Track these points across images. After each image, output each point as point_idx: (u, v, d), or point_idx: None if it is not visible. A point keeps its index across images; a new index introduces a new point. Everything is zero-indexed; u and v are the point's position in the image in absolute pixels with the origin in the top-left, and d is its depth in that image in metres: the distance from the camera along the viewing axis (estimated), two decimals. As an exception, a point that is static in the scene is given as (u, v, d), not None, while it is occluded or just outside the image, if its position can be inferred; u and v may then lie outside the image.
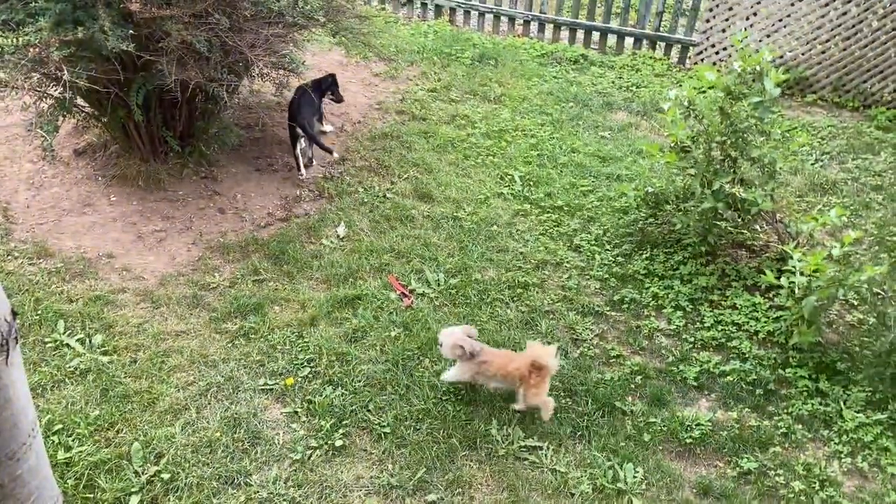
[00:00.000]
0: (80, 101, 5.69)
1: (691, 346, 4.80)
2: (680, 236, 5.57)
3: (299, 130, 6.23)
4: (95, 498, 3.60)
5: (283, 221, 5.86)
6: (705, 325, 4.94)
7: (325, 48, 8.68)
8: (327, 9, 6.00)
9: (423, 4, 10.28)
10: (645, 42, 9.31)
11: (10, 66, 4.70)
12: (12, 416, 1.58)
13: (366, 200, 6.12)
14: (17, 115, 6.30)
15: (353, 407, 4.20)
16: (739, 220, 5.30)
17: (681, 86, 5.57)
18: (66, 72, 4.70)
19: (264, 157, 6.61)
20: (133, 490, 3.64)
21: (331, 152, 6.43)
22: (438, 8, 10.17)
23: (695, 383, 4.51)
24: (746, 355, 4.70)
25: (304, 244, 5.57)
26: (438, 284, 5.21)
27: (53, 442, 3.84)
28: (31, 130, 5.19)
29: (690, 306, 5.10)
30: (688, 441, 4.12)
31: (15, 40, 4.50)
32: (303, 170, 6.34)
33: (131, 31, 4.76)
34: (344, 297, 5.01)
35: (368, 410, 4.19)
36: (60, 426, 3.96)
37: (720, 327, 4.92)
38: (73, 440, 3.89)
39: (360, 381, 4.38)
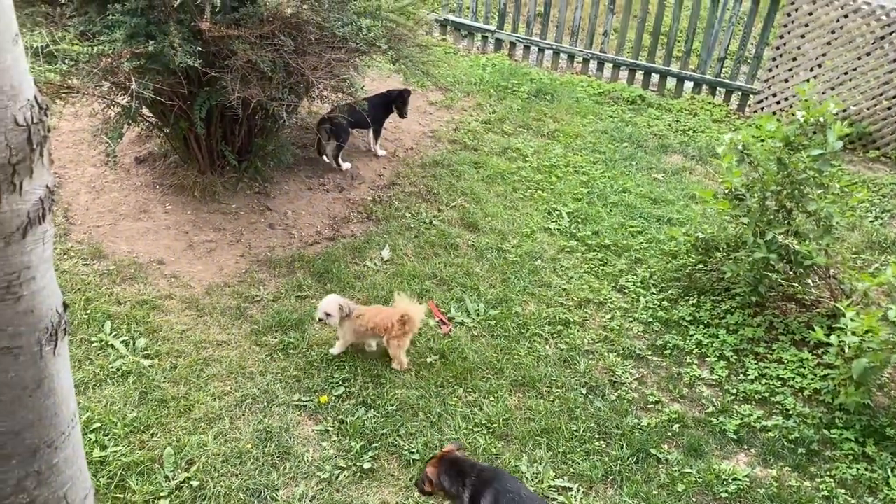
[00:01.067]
0: (145, 110, 5.88)
1: (733, 397, 4.68)
2: (729, 285, 5.46)
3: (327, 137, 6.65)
4: (125, 499, 3.65)
5: (330, 240, 5.94)
6: (749, 377, 4.81)
7: (385, 74, 8.83)
8: (390, 36, 6.12)
9: (484, 37, 10.40)
10: (704, 87, 9.24)
11: (84, 73, 4.89)
12: (54, 405, 1.62)
13: (412, 226, 6.16)
14: (86, 121, 6.54)
15: (385, 430, 4.19)
16: (791, 272, 5.18)
17: (737, 130, 5.51)
18: (134, 82, 4.88)
19: (317, 176, 6.73)
20: (162, 494, 3.69)
21: (339, 168, 6.79)
22: (499, 42, 10.28)
23: (734, 436, 4.39)
24: (790, 412, 4.55)
25: (348, 264, 5.63)
26: (478, 314, 5.20)
27: (90, 440, 3.91)
28: (97, 136, 5.38)
29: (735, 357, 4.98)
30: (723, 495, 4.00)
31: (90, 49, 4.69)
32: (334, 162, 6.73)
33: (199, 48, 4.93)
34: (384, 320, 5.03)
35: (399, 435, 4.18)
36: (98, 425, 4.04)
37: (764, 381, 4.79)
38: (108, 439, 3.97)
39: (392, 405, 4.37)
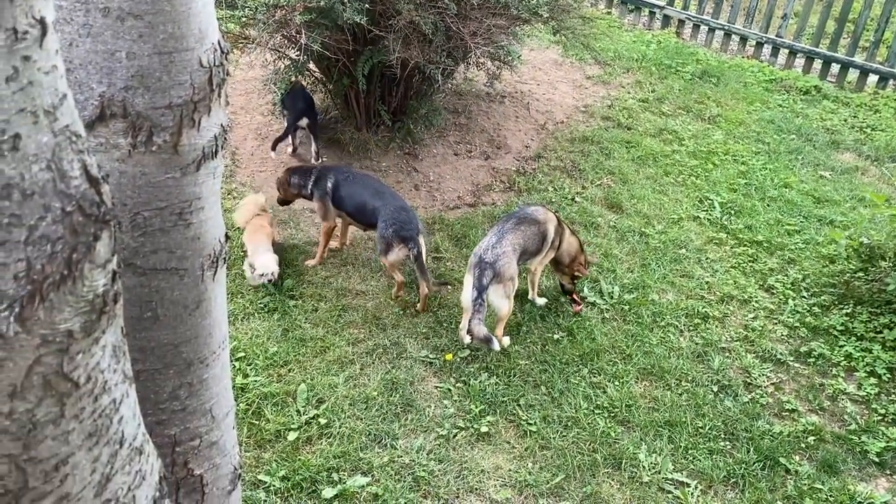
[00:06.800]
0: (311, 65, 6.17)
1: (880, 418, 4.34)
2: (891, 297, 5.03)
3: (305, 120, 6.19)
4: (260, 426, 3.93)
5: (471, 206, 6.01)
6: (902, 399, 4.44)
7: (543, 45, 8.74)
8: (553, 6, 6.04)
9: (652, 13, 10.02)
10: (892, 82, 8.44)
11: (260, 25, 5.20)
12: (209, 326, 1.77)
13: (553, 200, 6.11)
14: (258, 71, 6.96)
15: (505, 398, 4.24)
16: (968, 292, 4.69)
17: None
18: (304, 35, 5.12)
19: (465, 142, 6.80)
20: (293, 427, 3.94)
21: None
22: (667, 18, 9.87)
23: (876, 458, 4.08)
24: (946, 443, 4.17)
25: (485, 231, 5.68)
26: (612, 297, 5.11)
27: (235, 367, 4.24)
28: (267, 86, 5.71)
29: (888, 375, 4.60)
30: (856, 519, 3.74)
31: (267, 1, 4.97)
32: (282, 147, 6.24)
33: (367, 6, 5.09)
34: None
35: (518, 405, 4.22)
36: (243, 354, 4.37)
37: (920, 406, 4.40)
38: (250, 369, 4.28)
39: (515, 375, 4.41)
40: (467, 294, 4.44)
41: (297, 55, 5.46)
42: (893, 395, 4.49)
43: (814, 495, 3.83)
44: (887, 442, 4.16)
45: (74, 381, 1.08)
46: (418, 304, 4.85)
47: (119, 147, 1.54)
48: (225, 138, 1.74)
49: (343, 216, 5.13)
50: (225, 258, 1.79)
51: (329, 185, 5.04)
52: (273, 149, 6.19)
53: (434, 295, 4.96)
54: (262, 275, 4.72)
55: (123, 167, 1.56)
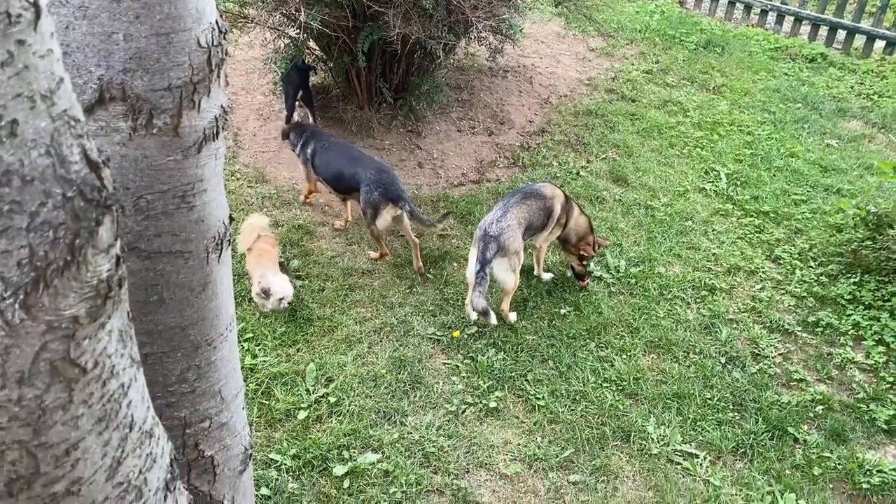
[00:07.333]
0: (311, 43, 6.12)
1: (889, 386, 4.34)
2: (899, 265, 5.00)
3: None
4: (270, 405, 3.96)
5: (475, 183, 5.99)
6: (911, 367, 4.44)
7: (546, 17, 8.65)
8: (554, -23, 5.97)
9: (654, -17, 9.89)
10: (899, 47, 8.34)
11: (259, 3, 5.15)
12: (216, 308, 1.77)
13: (558, 175, 6.08)
14: (258, 50, 6.91)
15: (513, 374, 4.26)
16: (977, 259, 4.66)
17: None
18: (303, 13, 5.08)
19: (468, 119, 6.76)
20: (303, 406, 3.96)
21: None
22: (669, -12, 9.75)
23: (885, 426, 4.08)
24: (955, 410, 4.17)
25: (490, 208, 5.66)
26: (618, 271, 5.10)
27: (244, 347, 4.26)
28: (267, 65, 5.67)
29: (896, 344, 4.60)
30: (864, 486, 3.75)
31: (265, -20, 4.92)
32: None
33: (367, -18, 5.04)
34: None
35: (527, 380, 4.23)
36: (251, 335, 4.38)
37: (929, 373, 4.40)
38: (259, 349, 4.30)
39: (522, 350, 4.42)
40: (471, 267, 4.44)
41: (296, 33, 5.42)
42: (902, 363, 4.48)
43: (822, 464, 3.85)
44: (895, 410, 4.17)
45: (82, 366, 1.08)
46: (415, 263, 4.95)
47: (119, 130, 1.53)
48: (225, 119, 1.73)
49: (324, 184, 5.26)
50: (230, 240, 1.79)
51: (309, 151, 5.17)
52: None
53: (443, 233, 5.11)
54: (282, 299, 4.38)
55: (124, 151, 1.55)
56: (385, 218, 4.76)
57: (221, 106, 1.68)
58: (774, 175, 6.25)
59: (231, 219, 1.81)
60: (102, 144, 1.53)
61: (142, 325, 1.66)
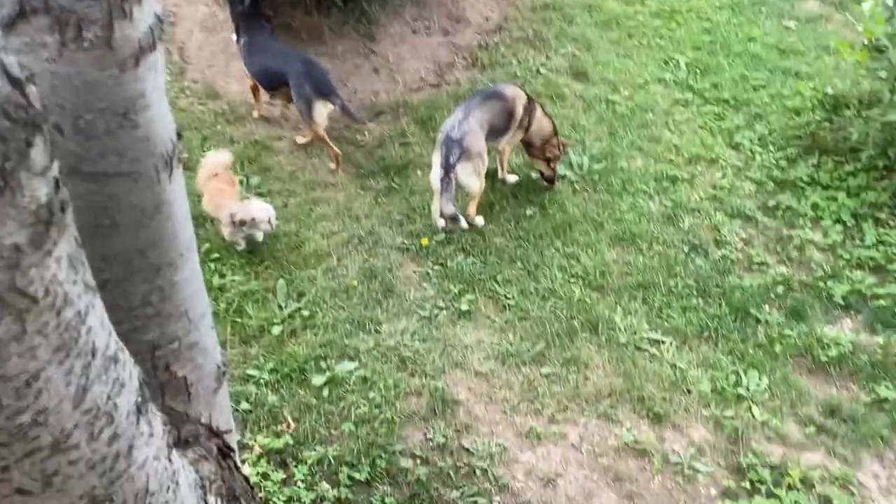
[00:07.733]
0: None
1: (846, 263, 4.47)
2: (855, 146, 5.07)
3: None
4: (243, 322, 3.96)
5: (435, 87, 5.86)
6: (865, 243, 4.57)
7: None
8: None
9: None
10: (857, -80, 8.17)
11: None
12: (172, 228, 1.73)
13: (518, 74, 5.96)
14: (196, -41, 6.52)
15: (482, 276, 4.30)
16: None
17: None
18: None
19: (423, 18, 6.53)
20: (276, 321, 3.97)
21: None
22: None
23: (842, 302, 4.23)
24: (908, 281, 4.33)
25: (451, 112, 5.56)
26: (581, 168, 5.09)
27: (210, 268, 4.21)
28: (207, -27, 5.37)
29: (852, 221, 4.71)
30: (822, 359, 3.92)
31: None
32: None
33: None
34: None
35: (496, 281, 4.28)
36: (217, 255, 4.33)
37: (882, 248, 4.53)
38: (226, 269, 4.26)
39: (491, 253, 4.45)
40: (435, 173, 4.40)
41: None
42: (857, 241, 4.61)
43: (783, 341, 4.00)
44: (852, 285, 4.31)
45: (31, 296, 1.05)
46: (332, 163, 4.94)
47: (47, 46, 1.44)
48: (162, 29, 1.63)
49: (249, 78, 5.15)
50: (179, 157, 1.72)
51: (242, 42, 5.11)
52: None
53: (370, 130, 5.19)
54: (268, 220, 4.17)
55: (55, 68, 1.46)
56: (321, 112, 4.67)
57: (155, 14, 1.58)
58: (733, 61, 6.20)
59: (179, 135, 1.74)
60: (31, 63, 1.44)
61: (96, 250, 1.61)
